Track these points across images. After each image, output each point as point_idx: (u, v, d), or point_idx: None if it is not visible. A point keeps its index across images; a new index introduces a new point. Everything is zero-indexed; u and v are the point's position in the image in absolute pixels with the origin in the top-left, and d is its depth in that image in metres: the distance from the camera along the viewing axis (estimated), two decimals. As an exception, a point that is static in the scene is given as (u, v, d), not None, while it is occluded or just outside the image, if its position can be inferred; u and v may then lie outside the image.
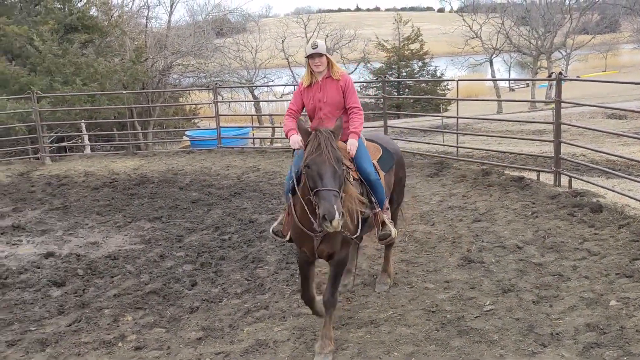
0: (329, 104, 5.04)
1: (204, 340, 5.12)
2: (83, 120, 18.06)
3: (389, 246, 5.93)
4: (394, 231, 5.12)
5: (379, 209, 4.99)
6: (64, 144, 19.04)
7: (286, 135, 5.03)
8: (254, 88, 32.55)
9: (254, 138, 21.45)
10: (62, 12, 21.03)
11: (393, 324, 5.13)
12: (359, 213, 4.69)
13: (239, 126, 24.06)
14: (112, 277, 6.73)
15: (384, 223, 5.08)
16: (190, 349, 4.99)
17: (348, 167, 4.73)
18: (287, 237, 4.97)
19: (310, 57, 4.99)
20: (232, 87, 29.52)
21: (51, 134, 17.85)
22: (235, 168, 12.54)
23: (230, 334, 5.24)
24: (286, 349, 4.85)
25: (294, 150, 4.92)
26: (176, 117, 25.29)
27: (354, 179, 4.79)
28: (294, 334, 5.11)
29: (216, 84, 20.61)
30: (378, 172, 5.08)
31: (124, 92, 19.10)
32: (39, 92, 15.47)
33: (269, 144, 21.95)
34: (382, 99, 13.65)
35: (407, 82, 37.74)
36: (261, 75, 35.04)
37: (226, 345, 5.01)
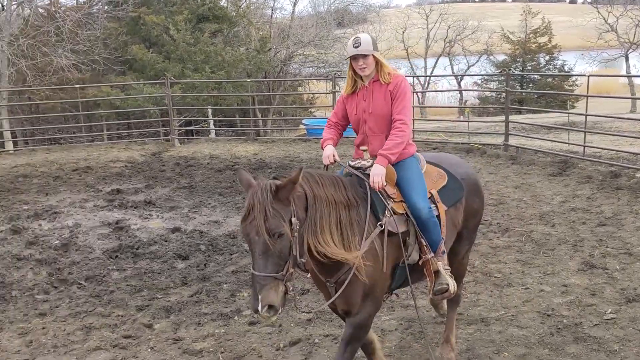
0: (375, 115, 3.91)
1: (314, 321, 5.29)
2: (210, 106, 19.09)
3: (453, 303, 4.59)
4: (452, 284, 3.88)
5: (431, 255, 3.82)
6: (191, 127, 20.25)
7: (322, 147, 4.12)
8: (371, 79, 32.58)
9: (369, 129, 21.52)
10: (196, 3, 22.27)
11: (504, 324, 5.02)
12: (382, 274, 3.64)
13: (355, 116, 24.20)
14: (231, 254, 7.13)
15: (438, 273, 3.88)
16: (300, 328, 5.18)
17: (389, 196, 3.74)
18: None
19: (352, 58, 3.89)
20: (350, 78, 29.75)
21: (180, 118, 19.05)
22: (349, 157, 12.62)
23: (339, 318, 5.37)
24: (393, 338, 4.90)
25: (325, 166, 4.02)
26: (294, 106, 25.97)
27: (394, 214, 3.70)
28: (401, 324, 5.15)
29: (335, 74, 20.92)
30: (437, 206, 3.95)
31: (248, 80, 19.91)
32: (172, 78, 16.55)
33: (384, 135, 21.90)
34: (504, 93, 13.19)
35: (533, 76, 36.04)
36: (379, 66, 35.01)
37: (334, 328, 5.15)
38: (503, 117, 12.90)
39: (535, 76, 36.02)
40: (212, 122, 19.36)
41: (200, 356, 4.81)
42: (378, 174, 3.69)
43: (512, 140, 12.93)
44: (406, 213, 3.76)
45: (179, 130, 17.85)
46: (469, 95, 37.44)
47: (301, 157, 12.94)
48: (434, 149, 13.02)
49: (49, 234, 8.11)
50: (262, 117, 23.84)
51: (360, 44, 3.81)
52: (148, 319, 5.51)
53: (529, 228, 7.50)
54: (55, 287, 6.36)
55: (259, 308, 3.05)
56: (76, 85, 17.18)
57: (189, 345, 4.99)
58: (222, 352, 4.85)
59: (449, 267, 3.97)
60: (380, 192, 3.69)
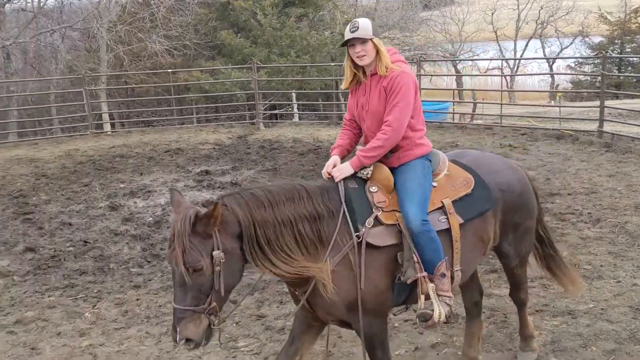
0: (370, 114, 3.52)
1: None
2: (294, 90, 19.35)
3: (520, 305, 4.26)
4: (437, 312, 3.34)
5: (422, 274, 3.33)
6: (276, 111, 20.63)
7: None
8: (457, 62, 31.85)
9: (453, 113, 21.13)
10: (282, -13, 22.52)
11: (593, 317, 4.84)
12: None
13: (439, 100, 23.82)
14: (313, 236, 7.25)
15: (428, 296, 3.39)
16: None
17: (377, 205, 3.35)
18: None
19: (349, 45, 3.47)
20: (435, 61, 29.22)
21: (265, 102, 19.45)
22: (434, 143, 12.24)
23: (425, 302, 5.36)
24: (475, 326, 4.84)
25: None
26: (378, 90, 25.81)
27: (380, 224, 3.31)
28: (484, 312, 5.07)
29: (420, 57, 20.61)
30: (448, 218, 3.48)
31: (332, 64, 19.99)
32: (258, 62, 16.89)
33: (469, 119, 21.44)
34: (600, 77, 12.53)
35: (632, 59, 33.86)
36: (466, 49, 34.11)
37: (414, 314, 5.16)
38: (598, 102, 12.28)
39: (635, 59, 33.82)
40: (295, 106, 19.63)
41: (282, 333, 4.97)
42: (339, 170, 3.42)
43: (607, 127, 12.28)
44: (399, 224, 3.34)
45: (264, 113, 18.23)
46: (561, 79, 35.75)
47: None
48: (522, 134, 12.60)
49: (143, 211, 8.58)
50: (345, 101, 23.89)
51: (358, 28, 3.38)
52: (233, 295, 5.71)
53: (622, 219, 7.14)
54: (149, 262, 6.75)
55: (178, 339, 2.95)
56: (168, 70, 17.95)
57: (271, 322, 5.17)
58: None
59: (450, 295, 3.43)
60: (368, 200, 3.36)
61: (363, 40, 3.39)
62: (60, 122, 19.56)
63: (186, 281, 2.92)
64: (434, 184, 3.55)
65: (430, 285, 3.34)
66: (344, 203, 3.29)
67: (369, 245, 3.25)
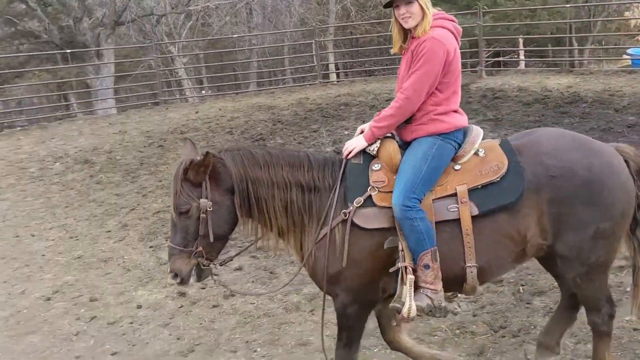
0: (400, 80, 3.34)
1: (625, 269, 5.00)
2: (521, 36, 18.27)
3: (601, 334, 3.32)
4: (407, 307, 3.03)
5: (405, 264, 3.05)
6: (499, 58, 19.75)
7: None
8: None
9: None
10: None
11: None
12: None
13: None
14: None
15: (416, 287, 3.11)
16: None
17: (372, 185, 3.15)
18: None
19: (394, 4, 3.22)
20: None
21: (489, 49, 18.71)
22: None
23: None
24: None
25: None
26: (618, 33, 23.09)
27: (373, 205, 3.11)
28: None
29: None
30: (459, 207, 3.09)
31: (567, 5, 18.37)
32: (484, 7, 16.23)
33: None
34: None
35: None
36: None
37: None
38: None
39: None
40: (522, 53, 18.56)
41: (500, 285, 5.00)
42: (351, 143, 3.26)
43: None
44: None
45: (487, 61, 17.59)
46: None
47: (624, 91, 11.63)
48: None
49: (365, 158, 9.04)
50: (578, 46, 21.87)
51: None
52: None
53: None
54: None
55: (169, 276, 3.20)
56: (391, 19, 18.16)
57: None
58: (522, 285, 4.97)
59: (434, 288, 3.08)
60: (369, 178, 3.16)
61: (408, 1, 3.16)
62: (291, 72, 21.17)
63: (174, 223, 3.17)
64: (457, 166, 3.21)
65: (409, 277, 3.04)
66: (339, 179, 3.20)
67: (354, 224, 3.11)
